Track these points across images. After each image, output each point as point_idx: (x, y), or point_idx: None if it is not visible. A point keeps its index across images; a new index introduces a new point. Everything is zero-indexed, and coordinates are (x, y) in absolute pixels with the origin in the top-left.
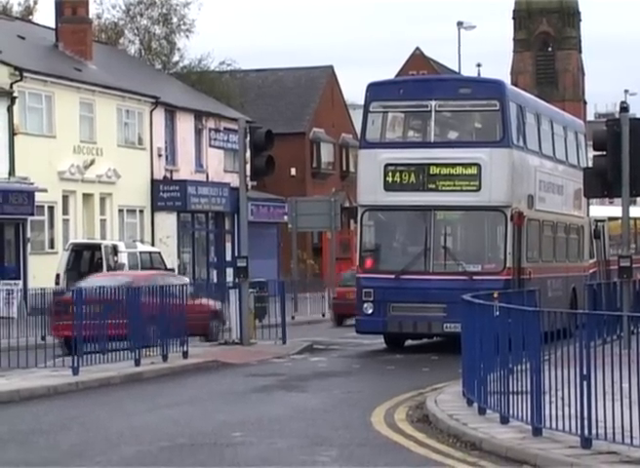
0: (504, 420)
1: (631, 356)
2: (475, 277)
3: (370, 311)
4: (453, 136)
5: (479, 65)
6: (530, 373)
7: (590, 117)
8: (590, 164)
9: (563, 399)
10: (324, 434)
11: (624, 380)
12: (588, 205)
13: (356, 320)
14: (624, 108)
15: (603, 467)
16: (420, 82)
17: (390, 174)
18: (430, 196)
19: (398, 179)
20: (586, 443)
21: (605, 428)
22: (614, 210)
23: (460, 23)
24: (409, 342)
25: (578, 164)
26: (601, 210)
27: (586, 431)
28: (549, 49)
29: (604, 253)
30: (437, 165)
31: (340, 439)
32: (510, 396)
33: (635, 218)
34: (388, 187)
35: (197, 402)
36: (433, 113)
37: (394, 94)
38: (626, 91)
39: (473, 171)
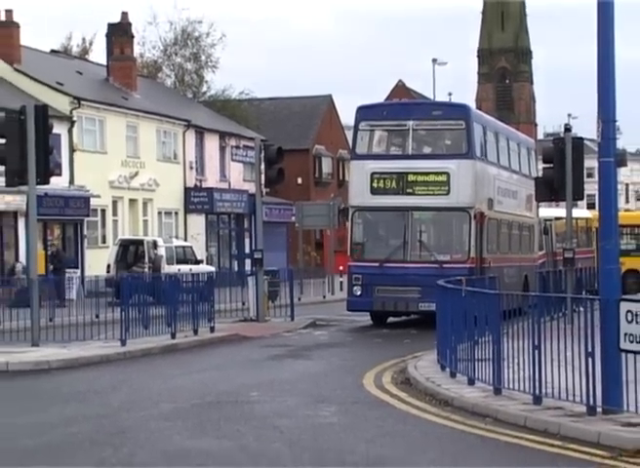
0: (471, 382)
1: (573, 330)
2: (445, 265)
3: (358, 293)
4: (427, 149)
5: (450, 94)
6: (491, 344)
7: (540, 136)
8: (540, 174)
9: (519, 364)
10: (325, 393)
11: (568, 349)
12: (538, 207)
13: (347, 300)
14: (568, 129)
15: (550, 419)
16: (401, 105)
17: (376, 180)
18: (408, 199)
19: (382, 185)
20: (537, 400)
21: (552, 388)
22: (559, 211)
23: (434, 60)
24: (391, 319)
25: (529, 174)
26: (549, 211)
27: (537, 391)
28: (507, 81)
29: (551, 247)
30: (414, 173)
31: (337, 397)
32: (476, 362)
33: (576, 218)
34: (374, 191)
35: (221, 368)
36: (411, 131)
37: (379, 115)
38: (569, 115)
39: (443, 178)
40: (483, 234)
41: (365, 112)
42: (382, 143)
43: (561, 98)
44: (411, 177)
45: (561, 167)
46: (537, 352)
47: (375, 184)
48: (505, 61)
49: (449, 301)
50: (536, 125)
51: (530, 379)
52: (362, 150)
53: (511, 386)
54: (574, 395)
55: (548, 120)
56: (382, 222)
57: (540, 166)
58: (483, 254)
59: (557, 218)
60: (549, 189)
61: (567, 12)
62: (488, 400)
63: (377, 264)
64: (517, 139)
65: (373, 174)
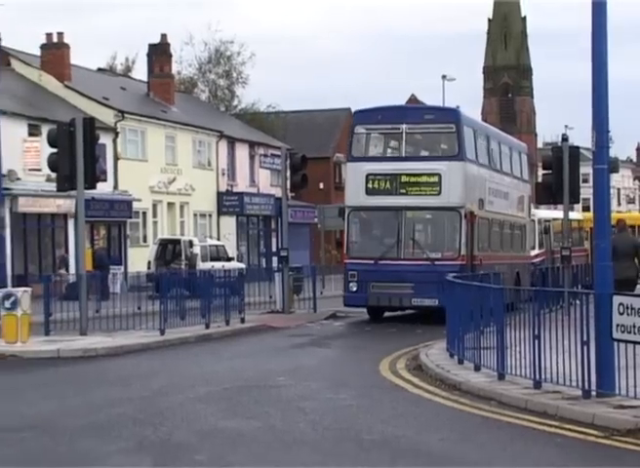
0: (477, 368)
1: (570, 321)
2: (436, 262)
3: (354, 289)
4: (419, 151)
5: (458, 107)
6: (496, 334)
7: (540, 145)
8: (540, 180)
9: (520, 352)
10: (344, 378)
11: (565, 339)
12: (530, 208)
13: (344, 296)
14: (565, 139)
15: (549, 402)
16: (394, 110)
17: (371, 181)
18: (401, 199)
19: (377, 186)
20: (537, 385)
21: (551, 374)
22: (557, 213)
23: (444, 76)
24: (399, 313)
25: (521, 176)
26: (548, 213)
27: (537, 376)
28: (509, 95)
29: (550, 245)
30: (407, 174)
31: (356, 382)
32: (481, 350)
33: (570, 220)
34: (369, 192)
35: (251, 355)
36: (404, 134)
37: (374, 119)
38: (566, 126)
39: (435, 179)
40: (474, 233)
41: (360, 116)
42: (377, 146)
43: (559, 111)
44: (404, 178)
45: (559, 173)
46: (537, 341)
47: (370, 185)
48: (508, 77)
49: (457, 295)
50: (536, 135)
51: (530, 366)
52: (358, 153)
53: (514, 372)
54: (570, 380)
55: (547, 130)
56: (377, 221)
57: (541, 172)
58: (474, 252)
59: (555, 219)
60: (548, 193)
61: (564, 33)
62: (492, 384)
63: (372, 261)
64: (509, 143)
65: (368, 175)
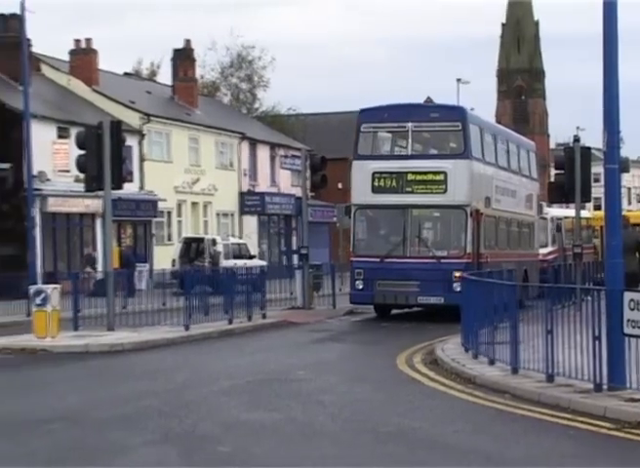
0: (491, 362)
1: (582, 317)
2: (442, 260)
3: (361, 287)
4: (425, 150)
5: (472, 109)
6: (509, 329)
7: (552, 146)
8: (552, 179)
9: (533, 347)
10: (362, 372)
11: (577, 334)
12: (539, 206)
13: (350, 294)
14: (577, 140)
15: (562, 395)
16: (400, 108)
17: (377, 179)
18: (407, 197)
19: (383, 184)
20: (550, 378)
21: (563, 368)
22: (568, 211)
23: (458, 80)
24: (416, 309)
25: (529, 174)
26: (560, 211)
27: (550, 370)
28: (522, 97)
29: (562, 243)
30: (413, 172)
31: (374, 376)
32: (495, 345)
33: (582, 218)
34: (375, 190)
35: (272, 350)
36: (410, 132)
37: (380, 117)
38: (578, 127)
39: (441, 177)
40: (480, 231)
41: (367, 115)
42: (383, 144)
43: (571, 112)
44: (410, 177)
45: (571, 173)
46: (549, 336)
47: (376, 183)
48: (521, 80)
49: (472, 292)
50: (548, 136)
51: (543, 360)
52: (364, 151)
53: (527, 366)
54: (582, 374)
55: (559, 131)
56: (383, 219)
57: (553, 172)
58: (480, 250)
59: (566, 217)
60: (561, 192)
61: (576, 36)
62: (506, 378)
63: (377, 259)
64: (517, 142)
65: (374, 173)
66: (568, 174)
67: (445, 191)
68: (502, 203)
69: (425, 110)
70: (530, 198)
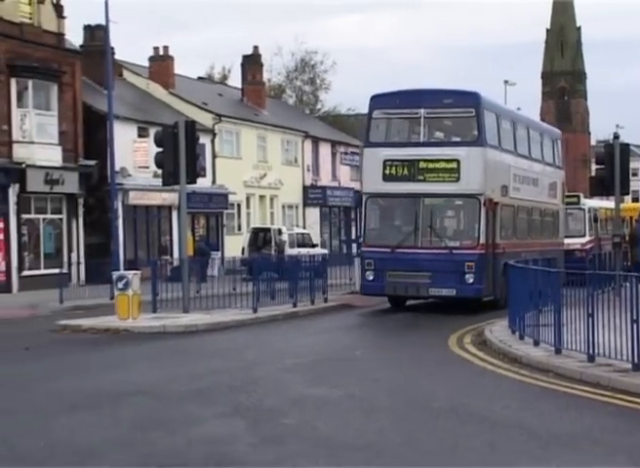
0: (536, 343)
1: (621, 301)
2: (454, 251)
3: (371, 277)
4: (438, 137)
5: (519, 108)
6: (553, 313)
7: (593, 143)
8: (594, 174)
9: (575, 329)
10: (417, 352)
11: (617, 317)
12: (564, 194)
13: (361, 284)
14: (616, 137)
15: (602, 374)
16: (413, 94)
17: (388, 167)
18: (419, 185)
19: (394, 172)
20: (591, 358)
21: (603, 349)
22: (604, 202)
23: (506, 81)
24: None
25: (553, 162)
26: (596, 202)
27: (591, 351)
28: (565, 98)
29: (598, 232)
30: (425, 160)
31: (428, 355)
32: (540, 327)
33: (609, 209)
34: (386, 178)
35: (332, 331)
36: (422, 119)
37: (392, 103)
38: (617, 125)
39: (453, 165)
40: (496, 220)
41: (378, 101)
42: (395, 131)
43: (611, 111)
44: (422, 164)
45: (611, 167)
46: (590, 319)
47: (387, 171)
48: (564, 82)
49: (519, 278)
50: (589, 133)
51: (585, 341)
52: (375, 138)
53: (569, 347)
54: (621, 354)
55: (600, 129)
56: (394, 209)
57: (594, 167)
58: (496, 240)
59: (601, 208)
60: (602, 186)
61: (616, 40)
62: (550, 358)
63: (388, 250)
64: (539, 129)
65: (385, 161)
66: (608, 168)
67: (458, 180)
68: (522, 191)
69: (438, 96)
70: (554, 186)
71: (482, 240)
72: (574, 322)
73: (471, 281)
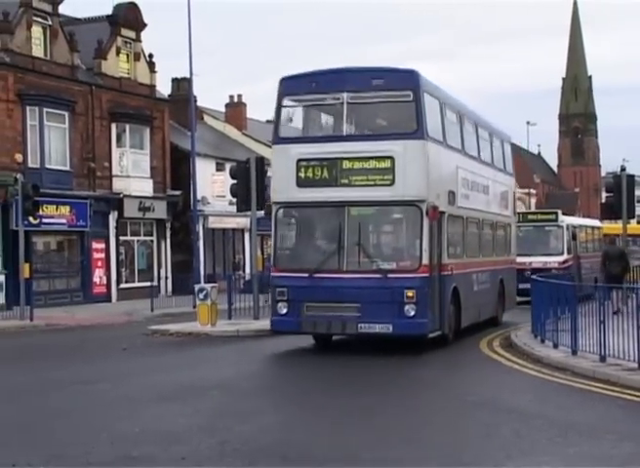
0: (555, 346)
1: (628, 310)
2: (390, 275)
3: (284, 311)
4: (366, 128)
5: (539, 145)
6: (570, 320)
7: (603, 174)
8: (604, 200)
9: (589, 334)
10: (453, 353)
11: (624, 323)
12: (515, 205)
13: (271, 320)
14: (623, 169)
15: (612, 372)
16: (333, 74)
17: (303, 169)
18: (343, 192)
19: (311, 175)
20: (602, 359)
21: (613, 350)
22: (583, 221)
23: (528, 122)
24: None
25: (504, 169)
26: (575, 219)
27: (602, 352)
28: (579, 136)
29: (577, 250)
30: (350, 159)
31: (461, 356)
32: (559, 332)
33: (594, 227)
34: (301, 183)
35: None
36: (345, 106)
37: (307, 87)
38: (624, 159)
39: (387, 164)
40: (442, 235)
41: (289, 84)
42: (311, 122)
43: (618, 147)
44: (346, 164)
45: (619, 195)
46: (602, 325)
47: (302, 174)
48: (578, 122)
49: (540, 290)
50: (600, 166)
51: (597, 344)
52: (286, 132)
53: (584, 349)
54: (629, 355)
55: (609, 162)
56: (313, 222)
57: (604, 194)
58: (442, 260)
59: (581, 226)
60: (611, 211)
61: (623, 87)
62: (567, 358)
63: (305, 275)
64: (489, 128)
65: (299, 161)
66: (616, 196)
67: (392, 183)
68: (472, 200)
69: (365, 76)
70: (505, 195)
71: (425, 260)
72: (588, 327)
73: (412, 314)
